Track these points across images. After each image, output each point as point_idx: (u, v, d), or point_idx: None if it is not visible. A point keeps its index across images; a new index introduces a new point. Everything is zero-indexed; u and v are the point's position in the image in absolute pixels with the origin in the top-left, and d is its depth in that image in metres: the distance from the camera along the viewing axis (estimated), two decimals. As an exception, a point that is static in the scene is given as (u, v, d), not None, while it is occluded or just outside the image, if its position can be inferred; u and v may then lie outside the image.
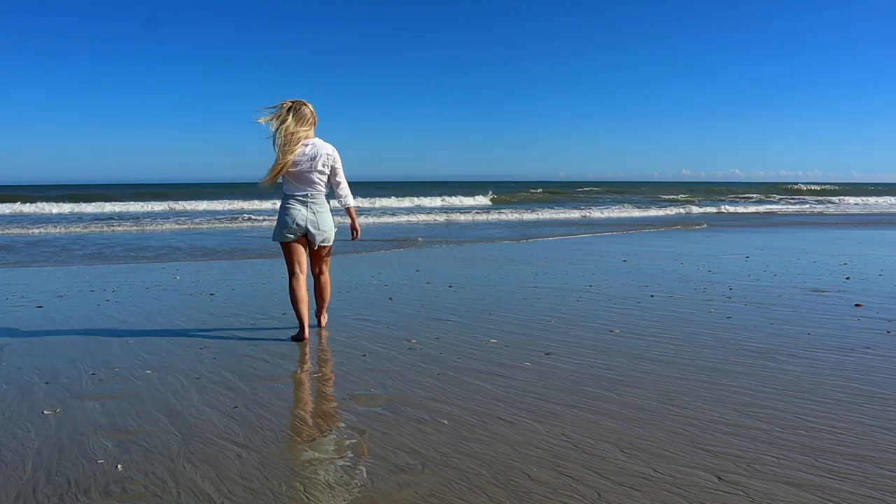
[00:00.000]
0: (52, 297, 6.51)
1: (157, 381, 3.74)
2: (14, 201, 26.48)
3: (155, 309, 5.90)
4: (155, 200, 29.59)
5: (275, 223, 4.72)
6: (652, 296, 6.30)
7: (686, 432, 2.87)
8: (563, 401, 3.31)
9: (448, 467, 2.55)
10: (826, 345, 4.37)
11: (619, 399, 3.33)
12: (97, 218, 21.68)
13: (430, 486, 2.40)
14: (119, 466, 2.58)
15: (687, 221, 20.38)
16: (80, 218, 21.80)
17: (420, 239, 13.62)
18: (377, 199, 30.83)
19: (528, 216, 22.59)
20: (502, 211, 25.52)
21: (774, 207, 30.44)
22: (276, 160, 4.45)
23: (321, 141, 4.62)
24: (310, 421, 3.11)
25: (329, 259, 4.89)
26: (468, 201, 31.77)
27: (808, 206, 33.00)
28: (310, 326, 4.96)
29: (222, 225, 18.22)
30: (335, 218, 4.82)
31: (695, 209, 27.21)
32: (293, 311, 4.74)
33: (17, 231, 16.16)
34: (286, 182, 4.61)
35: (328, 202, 4.76)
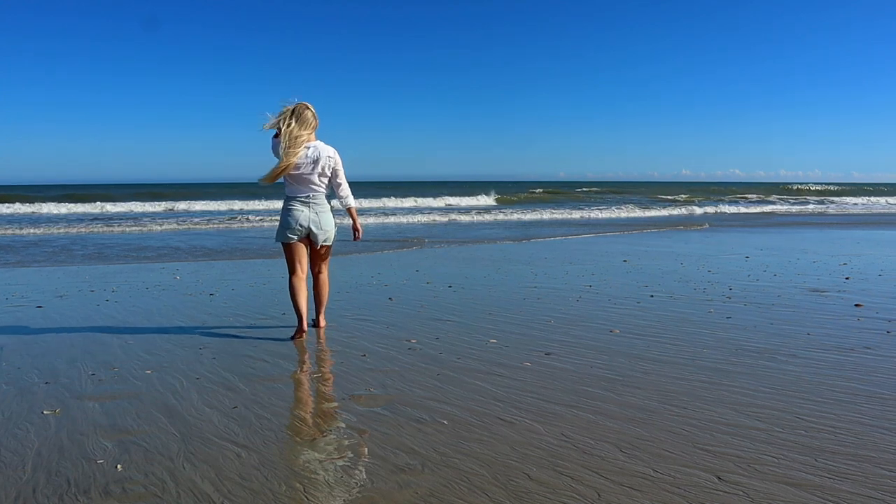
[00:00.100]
0: (51, 297, 6.51)
1: (156, 381, 3.74)
2: (14, 201, 26.50)
3: (155, 309, 5.90)
4: (155, 200, 29.58)
5: (277, 224, 4.79)
6: (652, 296, 6.31)
7: (686, 432, 2.87)
8: (562, 401, 3.31)
9: (448, 467, 2.55)
10: (826, 345, 4.37)
11: (618, 399, 3.33)
12: (97, 218, 21.69)
13: (430, 486, 2.40)
14: (119, 466, 2.58)
15: (688, 222, 20.38)
16: (80, 218, 21.81)
17: (426, 240, 13.62)
18: (377, 199, 30.80)
19: (527, 216, 22.59)
20: (503, 211, 25.54)
21: (774, 208, 30.44)
22: (279, 162, 4.51)
23: (322, 143, 4.69)
24: (310, 421, 3.11)
25: (328, 258, 4.93)
26: (472, 201, 31.73)
27: (807, 206, 33.00)
28: (309, 326, 5.02)
29: (222, 225, 18.23)
30: (336, 218, 4.87)
31: (695, 209, 27.22)
32: (293, 308, 4.77)
33: (16, 231, 16.16)
34: (288, 184, 4.67)
35: (329, 202, 4.81)
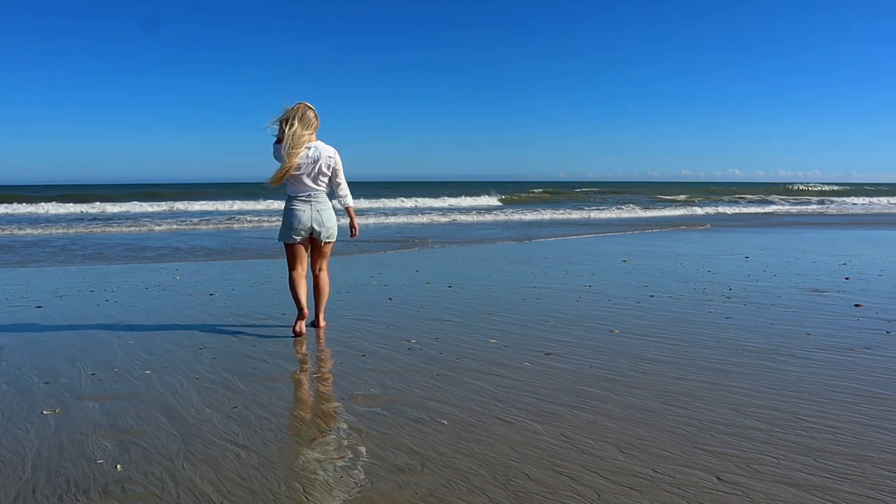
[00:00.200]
0: (51, 297, 6.51)
1: (156, 381, 3.74)
2: (14, 201, 26.48)
3: (155, 309, 5.90)
4: (155, 200, 29.57)
5: (280, 224, 4.87)
6: (651, 296, 6.31)
7: (685, 432, 2.87)
8: (562, 401, 3.31)
9: (447, 467, 2.55)
10: (825, 345, 4.37)
11: (618, 399, 3.33)
12: (97, 218, 21.69)
13: (430, 486, 2.40)
14: (118, 466, 2.58)
15: (689, 222, 20.38)
16: (80, 218, 21.81)
17: (429, 240, 13.62)
18: (377, 199, 30.79)
19: (527, 217, 22.59)
20: (503, 211, 25.54)
21: (774, 208, 30.45)
22: (282, 163, 4.58)
23: (322, 143, 4.76)
24: (309, 421, 3.11)
25: (329, 257, 4.99)
26: (476, 202, 31.67)
27: (807, 206, 33.01)
28: (308, 327, 5.04)
29: (222, 225, 18.23)
30: (336, 217, 4.93)
31: (695, 209, 27.23)
32: (293, 302, 4.84)
33: (16, 231, 16.16)
34: (289, 183, 4.73)
35: (330, 201, 4.88)
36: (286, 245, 4.82)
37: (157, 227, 17.25)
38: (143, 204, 27.78)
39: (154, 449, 2.76)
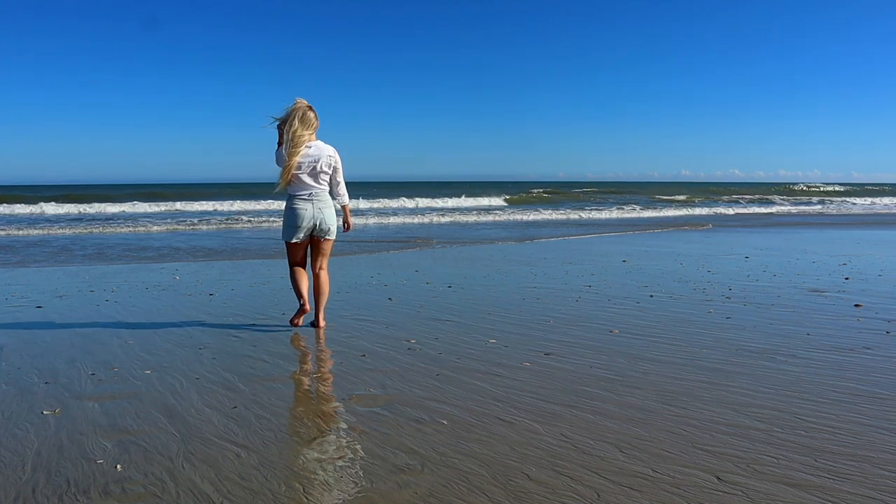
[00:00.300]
0: (51, 298, 6.51)
1: (156, 381, 3.74)
2: (13, 202, 26.47)
3: (155, 309, 5.90)
4: (155, 201, 29.56)
5: (282, 222, 5.00)
6: (651, 296, 6.31)
7: (685, 432, 2.87)
8: (562, 401, 3.31)
9: (447, 467, 2.55)
10: (825, 345, 4.37)
11: (617, 399, 3.33)
12: (97, 218, 21.69)
13: (430, 486, 2.40)
14: (118, 466, 2.58)
15: (689, 222, 20.38)
16: (80, 218, 21.81)
17: (435, 240, 13.62)
18: (376, 199, 30.77)
19: (528, 217, 22.59)
20: (504, 211, 25.53)
21: (774, 208, 30.45)
22: (285, 164, 4.70)
23: (322, 143, 4.86)
24: (309, 421, 3.11)
25: (329, 255, 5.07)
26: (482, 202, 31.63)
27: (807, 206, 33.01)
28: (308, 326, 5.05)
29: (222, 225, 18.23)
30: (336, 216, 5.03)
31: (695, 210, 27.23)
32: (295, 296, 5.01)
33: (16, 231, 16.16)
34: (291, 182, 4.82)
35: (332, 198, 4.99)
36: (288, 243, 4.93)
37: (157, 228, 17.25)
38: (143, 204, 27.77)
39: (154, 449, 2.76)
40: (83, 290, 7.02)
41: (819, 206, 32.60)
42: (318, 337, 4.81)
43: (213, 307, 5.97)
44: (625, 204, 31.22)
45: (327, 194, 4.88)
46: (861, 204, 36.04)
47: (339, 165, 4.89)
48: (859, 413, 3.08)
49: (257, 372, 3.92)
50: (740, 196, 43.68)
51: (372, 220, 20.01)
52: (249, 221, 19.32)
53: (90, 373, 3.91)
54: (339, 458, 2.66)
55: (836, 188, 62.79)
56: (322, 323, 5.07)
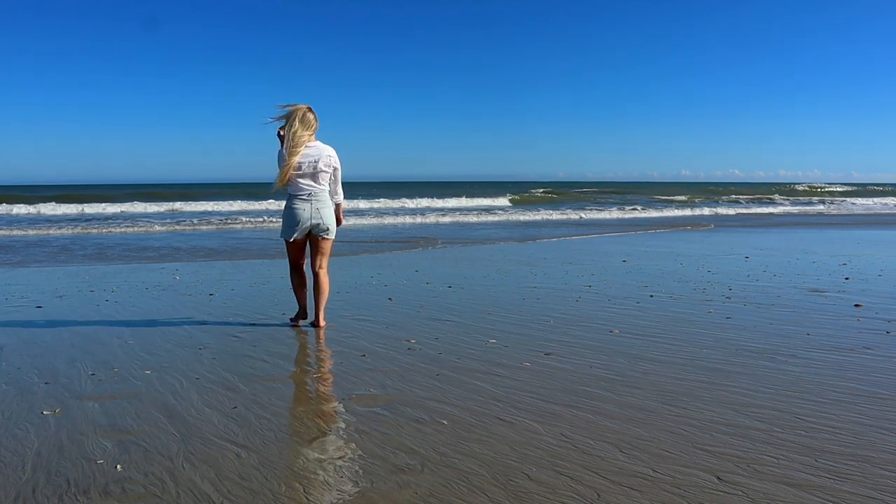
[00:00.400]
0: (51, 298, 6.51)
1: (156, 381, 3.74)
2: (13, 202, 26.47)
3: (155, 309, 5.90)
4: (155, 201, 29.56)
5: (281, 222, 5.05)
6: (651, 296, 6.31)
7: (685, 432, 2.87)
8: (562, 401, 3.31)
9: (447, 467, 2.55)
10: (825, 345, 4.37)
11: (618, 399, 3.33)
12: (97, 218, 21.69)
13: (430, 486, 2.40)
14: (118, 466, 2.58)
15: (689, 222, 20.38)
16: (80, 218, 21.80)
17: (438, 240, 13.62)
18: (376, 199, 30.77)
19: (528, 217, 22.59)
20: (505, 211, 25.53)
21: (774, 208, 30.45)
22: (284, 164, 4.76)
23: (321, 143, 4.92)
24: (309, 421, 3.11)
25: (328, 255, 5.09)
26: (486, 202, 31.58)
27: (807, 206, 33.01)
28: (308, 326, 5.06)
29: (222, 225, 18.23)
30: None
31: (695, 210, 27.23)
32: (295, 300, 5.11)
33: (16, 231, 16.16)
34: (290, 182, 4.86)
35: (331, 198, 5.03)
36: (287, 242, 4.99)
37: (157, 228, 17.25)
38: (143, 204, 27.78)
39: (154, 449, 2.76)
40: (83, 290, 7.02)
41: (820, 207, 32.61)
42: (318, 337, 4.81)
43: (213, 307, 5.97)
44: (625, 204, 31.23)
45: (326, 194, 4.92)
46: (861, 204, 36.03)
47: (338, 165, 4.95)
48: (859, 413, 3.08)
49: (257, 372, 3.92)
50: (740, 196, 43.68)
51: (374, 221, 20.01)
52: (249, 221, 19.32)
53: (90, 373, 3.91)
54: (339, 458, 2.66)
55: (837, 188, 62.77)
56: (322, 323, 5.07)
